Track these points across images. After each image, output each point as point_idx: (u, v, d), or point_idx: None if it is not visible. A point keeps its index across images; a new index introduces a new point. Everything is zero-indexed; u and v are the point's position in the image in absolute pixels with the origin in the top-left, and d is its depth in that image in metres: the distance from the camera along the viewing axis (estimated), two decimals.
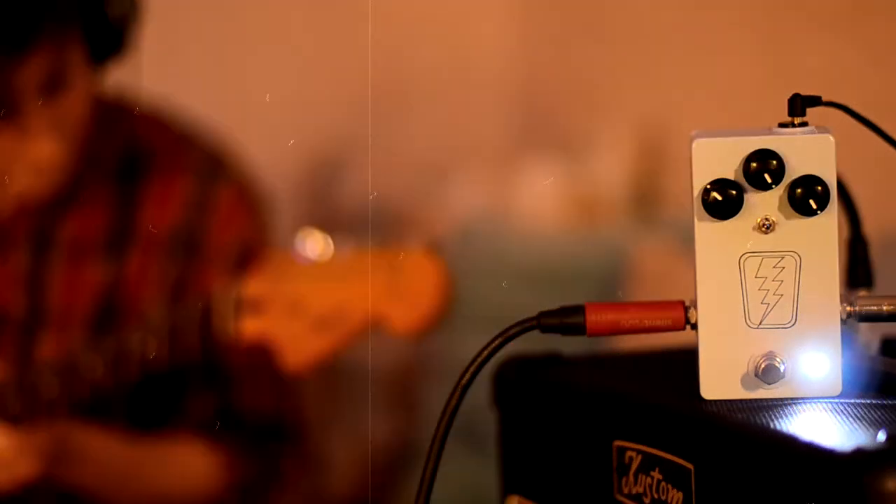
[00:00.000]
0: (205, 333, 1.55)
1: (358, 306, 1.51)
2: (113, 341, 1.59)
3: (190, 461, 1.73)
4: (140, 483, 1.70)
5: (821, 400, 0.97)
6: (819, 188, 0.95)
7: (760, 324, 0.97)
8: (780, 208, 0.96)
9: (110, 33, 1.64)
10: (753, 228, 0.97)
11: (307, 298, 1.52)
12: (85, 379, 1.59)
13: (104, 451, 1.65)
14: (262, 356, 1.77)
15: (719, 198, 0.95)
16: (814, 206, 0.95)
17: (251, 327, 1.54)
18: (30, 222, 1.71)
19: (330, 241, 1.55)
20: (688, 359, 1.01)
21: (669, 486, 0.96)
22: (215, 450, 1.73)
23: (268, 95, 2.73)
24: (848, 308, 0.97)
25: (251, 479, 1.75)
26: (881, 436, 0.85)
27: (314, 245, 1.55)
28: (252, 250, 1.73)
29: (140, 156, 1.75)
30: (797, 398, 0.97)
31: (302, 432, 1.82)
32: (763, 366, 0.96)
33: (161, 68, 2.63)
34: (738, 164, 0.96)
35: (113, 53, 1.66)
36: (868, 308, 0.97)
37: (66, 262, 1.71)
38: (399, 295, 1.50)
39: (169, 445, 1.72)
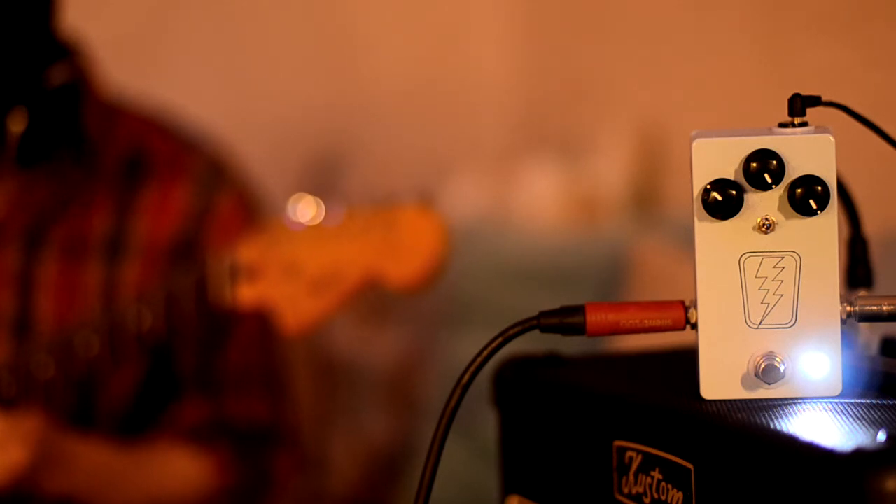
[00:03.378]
0: (201, 302, 1.56)
1: (354, 266, 1.52)
2: (108, 317, 1.59)
3: (181, 467, 1.72)
4: (130, 490, 1.69)
5: (821, 400, 0.96)
6: (819, 188, 0.95)
7: (760, 324, 0.97)
8: (780, 208, 0.96)
9: None
10: (753, 228, 0.97)
11: (302, 261, 1.53)
12: (81, 357, 1.59)
13: (92, 458, 1.64)
14: (255, 358, 1.76)
15: (719, 198, 0.95)
16: (814, 206, 0.95)
17: (248, 293, 1.54)
18: (25, 221, 1.71)
19: (322, 204, 1.55)
20: (688, 359, 1.01)
21: (669, 486, 0.96)
22: (207, 455, 1.73)
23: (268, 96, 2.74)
24: (848, 308, 0.97)
25: (243, 484, 1.75)
26: (881, 436, 0.85)
27: (306, 209, 1.55)
28: None
29: (141, 162, 1.74)
30: (797, 398, 0.97)
31: (295, 435, 1.82)
32: (763, 366, 0.96)
33: (161, 73, 2.64)
34: (738, 164, 0.96)
35: None
36: (868, 308, 0.97)
37: (59, 264, 1.71)
38: (395, 252, 1.51)
39: (160, 451, 1.72)
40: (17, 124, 1.66)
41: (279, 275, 1.54)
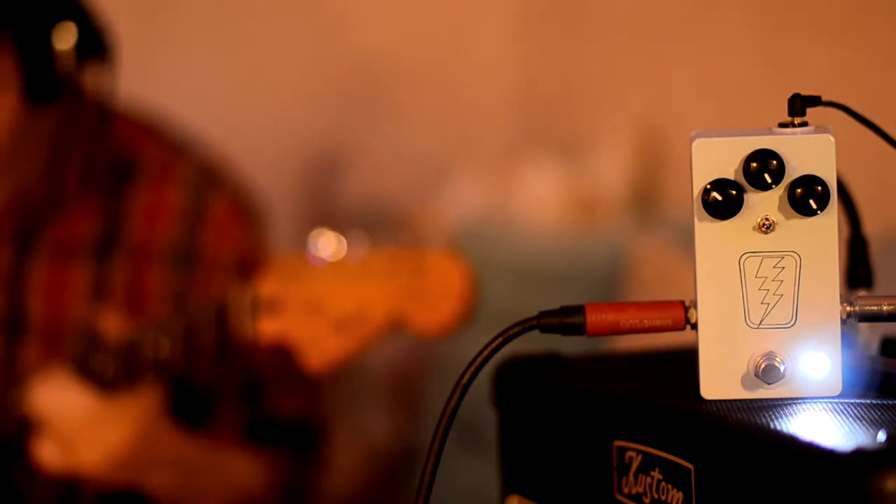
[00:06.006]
0: (220, 334, 1.54)
1: (379, 308, 1.49)
2: (125, 341, 1.59)
3: (241, 467, 1.71)
4: (204, 490, 1.68)
5: (821, 400, 0.97)
6: (819, 188, 0.95)
7: (760, 324, 0.97)
8: (780, 208, 0.96)
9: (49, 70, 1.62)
10: (753, 228, 0.97)
11: (326, 299, 1.50)
12: (97, 379, 1.59)
13: (181, 451, 1.64)
14: (288, 358, 1.76)
15: (719, 198, 0.95)
16: (814, 206, 0.95)
17: (269, 328, 1.52)
18: (16, 222, 1.71)
19: (343, 240, 1.53)
20: (688, 359, 1.01)
21: (669, 486, 0.96)
22: (258, 456, 1.72)
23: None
24: (848, 308, 0.97)
25: (294, 479, 1.75)
26: (881, 436, 0.85)
27: (327, 244, 1.53)
28: (249, 259, 1.73)
29: (130, 165, 1.74)
30: (797, 398, 0.97)
31: (326, 435, 1.82)
32: (763, 366, 0.96)
33: (155, 74, 2.64)
34: (738, 164, 0.96)
35: (52, 91, 1.64)
36: (868, 308, 0.97)
37: (50, 264, 1.71)
38: (422, 296, 1.48)
39: (223, 451, 1.71)
40: (64, 42, 1.63)
41: (302, 312, 1.51)
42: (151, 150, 1.75)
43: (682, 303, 0.99)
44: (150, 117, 1.80)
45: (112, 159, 1.73)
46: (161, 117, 1.81)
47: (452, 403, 0.97)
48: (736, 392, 0.98)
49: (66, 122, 1.72)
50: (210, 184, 1.75)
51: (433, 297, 1.48)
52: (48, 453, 1.57)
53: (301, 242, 1.56)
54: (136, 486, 1.62)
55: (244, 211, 1.77)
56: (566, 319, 0.99)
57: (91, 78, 1.68)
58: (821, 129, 0.96)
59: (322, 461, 1.80)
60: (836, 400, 0.96)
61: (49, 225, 1.71)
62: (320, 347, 1.51)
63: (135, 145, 1.75)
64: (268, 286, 1.52)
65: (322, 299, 1.50)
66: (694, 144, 0.97)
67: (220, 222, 1.73)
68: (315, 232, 1.54)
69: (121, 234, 1.72)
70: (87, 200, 1.72)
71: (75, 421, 1.55)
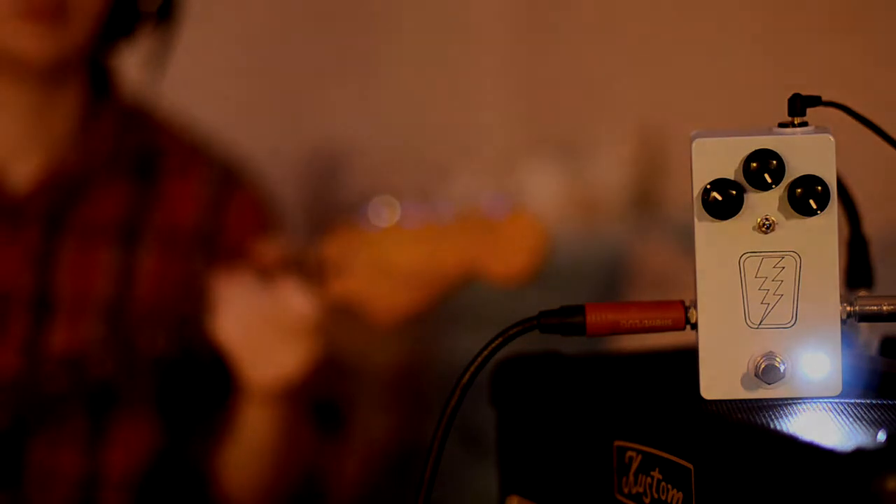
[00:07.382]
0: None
1: (450, 261, 1.53)
2: (178, 321, 1.63)
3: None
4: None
5: (821, 400, 0.96)
6: (819, 188, 0.95)
7: (760, 324, 0.97)
8: (780, 208, 0.96)
9: None
10: (753, 228, 0.97)
11: (394, 261, 1.54)
12: (145, 354, 1.62)
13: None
14: None
15: (719, 198, 0.95)
16: (814, 206, 0.95)
17: (336, 289, 1.55)
18: (45, 203, 1.73)
19: (398, 204, 1.56)
20: (688, 359, 1.01)
21: (669, 486, 0.96)
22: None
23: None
24: (848, 308, 0.97)
25: (311, 464, 1.76)
26: (881, 436, 0.85)
27: (385, 211, 1.56)
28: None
29: (155, 157, 1.78)
30: (797, 398, 0.97)
31: (351, 421, 1.83)
32: (763, 366, 0.96)
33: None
34: (738, 164, 0.96)
35: None
36: (868, 308, 0.97)
37: (77, 246, 1.73)
38: (494, 249, 1.53)
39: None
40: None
41: (369, 273, 1.55)
42: (174, 148, 1.80)
43: (682, 303, 0.99)
44: (172, 116, 1.84)
45: (137, 148, 1.77)
46: (182, 117, 1.85)
47: (452, 403, 0.97)
48: (736, 392, 0.98)
49: (93, 100, 1.77)
50: (230, 182, 1.81)
51: (505, 249, 1.53)
52: (230, 330, 1.57)
53: (300, 240, 1.58)
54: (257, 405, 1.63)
55: (263, 209, 1.82)
56: (566, 319, 0.99)
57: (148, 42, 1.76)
58: (821, 129, 0.96)
59: (345, 446, 1.80)
60: (836, 400, 0.96)
61: (77, 207, 1.74)
62: (388, 303, 1.55)
63: (158, 140, 1.80)
64: (333, 248, 1.56)
65: (389, 261, 1.53)
66: (694, 144, 0.96)
67: (240, 215, 1.77)
68: (374, 200, 1.57)
69: (146, 220, 1.75)
70: (114, 185, 1.75)
71: (284, 326, 1.57)
